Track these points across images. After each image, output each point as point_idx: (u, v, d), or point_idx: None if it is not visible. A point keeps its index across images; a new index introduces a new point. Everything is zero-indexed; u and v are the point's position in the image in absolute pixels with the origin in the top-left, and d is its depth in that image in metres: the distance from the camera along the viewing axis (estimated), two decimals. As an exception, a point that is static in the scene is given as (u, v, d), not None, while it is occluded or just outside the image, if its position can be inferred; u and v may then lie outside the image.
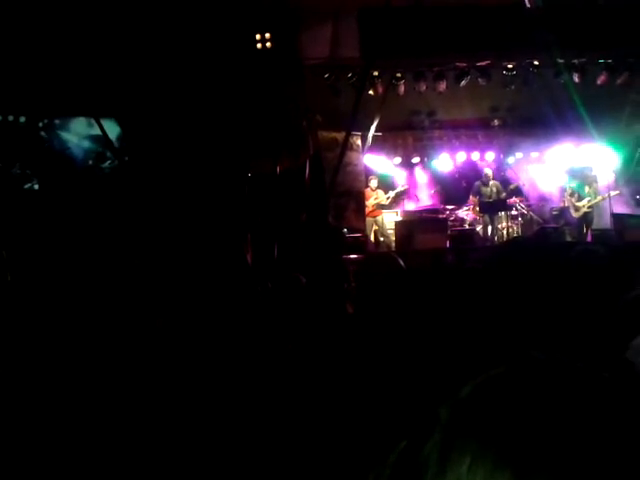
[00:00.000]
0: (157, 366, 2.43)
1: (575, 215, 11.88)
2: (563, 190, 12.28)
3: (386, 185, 13.19)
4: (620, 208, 12.16)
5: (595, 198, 11.84)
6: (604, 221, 11.91)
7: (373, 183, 12.66)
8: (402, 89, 11.50)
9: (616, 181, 13.15)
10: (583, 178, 12.29)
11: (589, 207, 11.74)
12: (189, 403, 2.24)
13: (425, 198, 13.62)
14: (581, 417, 0.49)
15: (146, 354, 2.50)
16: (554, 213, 12.46)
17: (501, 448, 0.49)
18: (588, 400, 0.51)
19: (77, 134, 11.17)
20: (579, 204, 11.84)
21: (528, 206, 12.73)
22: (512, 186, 12.64)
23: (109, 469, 2.03)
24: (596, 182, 13.17)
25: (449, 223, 12.06)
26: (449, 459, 0.51)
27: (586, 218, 11.76)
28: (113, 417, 2.15)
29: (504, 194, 12.11)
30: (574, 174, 12.23)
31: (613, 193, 11.75)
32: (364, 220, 12.15)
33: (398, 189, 13.02)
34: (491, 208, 12.09)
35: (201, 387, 2.32)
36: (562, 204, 12.32)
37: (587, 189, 12.00)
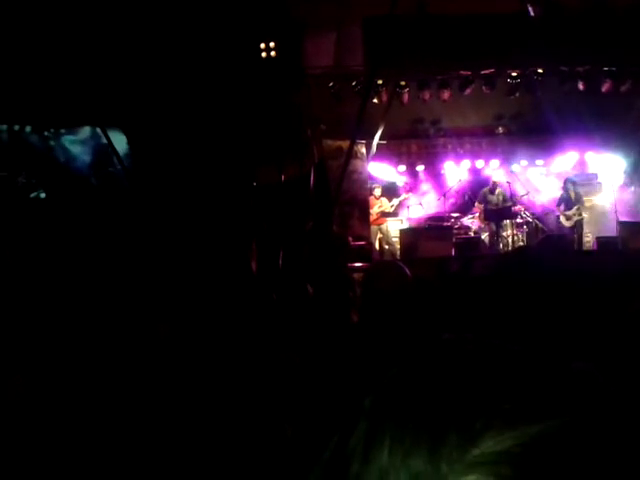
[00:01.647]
0: (159, 372, 2.43)
1: (567, 224, 11.82)
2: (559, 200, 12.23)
3: (391, 193, 13.20)
4: (626, 216, 12.14)
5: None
6: (610, 229, 11.87)
7: (377, 191, 12.68)
8: (406, 97, 11.53)
9: (621, 188, 13.15)
10: (581, 186, 12.21)
11: (580, 215, 11.68)
12: (190, 409, 2.23)
13: (430, 206, 13.61)
14: (488, 392, 0.50)
15: (149, 359, 2.50)
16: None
17: (416, 427, 0.50)
18: (495, 374, 0.52)
19: (83, 143, 11.22)
20: (569, 213, 11.78)
21: (533, 214, 12.70)
22: (521, 195, 12.63)
23: (109, 469, 2.03)
24: (600, 190, 13.17)
25: (454, 231, 12.04)
26: (372, 447, 0.52)
27: (578, 226, 11.68)
28: (113, 419, 2.15)
29: (510, 202, 12.09)
30: (575, 182, 12.18)
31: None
32: (369, 228, 12.15)
33: (402, 197, 13.03)
34: (497, 216, 12.07)
35: (203, 394, 2.31)
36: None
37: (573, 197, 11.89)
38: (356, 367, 2.02)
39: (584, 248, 11.50)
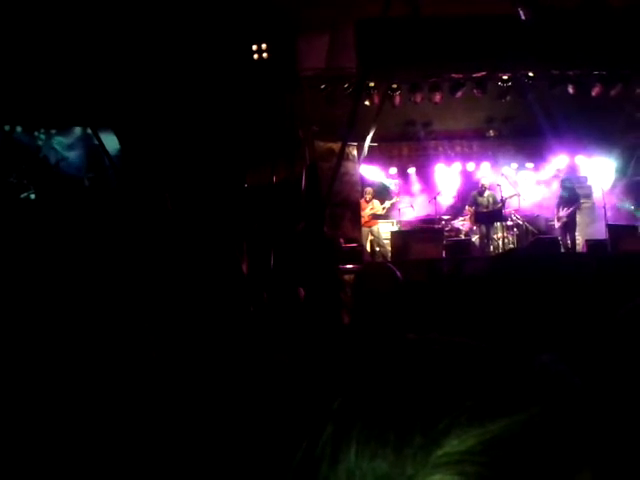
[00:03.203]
0: (150, 374, 2.43)
1: (557, 226, 11.87)
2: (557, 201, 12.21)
3: (382, 195, 13.21)
4: (615, 218, 12.22)
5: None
6: (599, 231, 11.94)
7: (368, 194, 12.68)
8: (398, 100, 11.56)
9: (611, 191, 13.22)
10: (573, 188, 12.19)
11: (568, 216, 11.68)
12: (182, 412, 2.23)
13: (420, 208, 13.64)
14: (451, 391, 0.51)
15: (139, 361, 2.49)
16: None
17: (382, 429, 0.51)
18: (458, 373, 0.53)
19: (73, 144, 11.18)
20: (560, 214, 11.80)
21: (523, 217, 12.75)
22: (510, 196, 12.61)
23: (108, 470, 2.03)
24: (591, 193, 13.25)
25: (445, 233, 12.07)
26: (339, 449, 0.52)
27: (567, 228, 11.70)
28: (112, 419, 2.15)
29: (500, 204, 12.12)
30: (565, 184, 12.20)
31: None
32: (360, 230, 12.16)
33: (393, 200, 13.05)
34: (487, 218, 12.11)
35: (194, 396, 2.31)
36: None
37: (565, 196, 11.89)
38: (337, 369, 2.02)
39: (575, 251, 11.52)
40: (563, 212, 11.70)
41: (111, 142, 9.84)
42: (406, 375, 0.54)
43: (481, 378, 0.52)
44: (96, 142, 9.60)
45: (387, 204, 12.90)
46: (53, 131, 11.24)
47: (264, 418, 2.06)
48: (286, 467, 0.57)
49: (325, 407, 0.56)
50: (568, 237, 11.55)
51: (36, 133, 11.16)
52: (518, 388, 0.51)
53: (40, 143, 11.20)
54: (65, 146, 11.23)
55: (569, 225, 11.66)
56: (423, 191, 13.92)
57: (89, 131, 10.04)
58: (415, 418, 0.50)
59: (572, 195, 11.81)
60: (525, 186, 13.72)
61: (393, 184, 13.86)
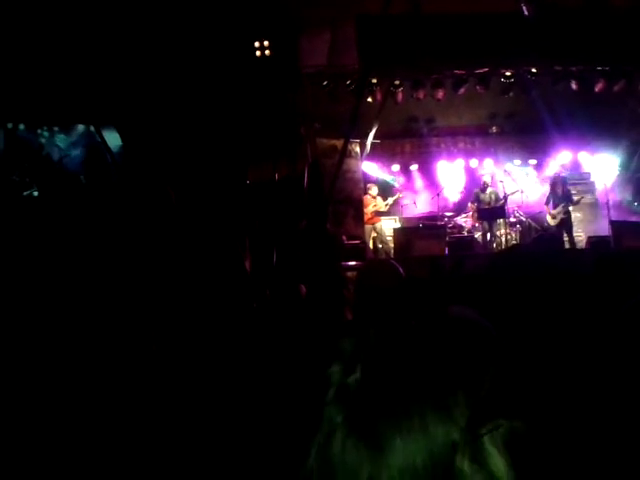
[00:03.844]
0: (152, 372, 2.43)
1: (552, 223, 11.82)
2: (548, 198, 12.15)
3: (385, 192, 13.21)
4: (618, 215, 12.18)
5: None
6: (602, 228, 11.91)
7: (373, 190, 12.67)
8: (400, 96, 11.53)
9: (614, 188, 13.19)
10: (564, 186, 12.13)
11: (565, 213, 11.63)
12: (184, 409, 2.23)
13: (423, 205, 13.63)
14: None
15: (142, 360, 2.50)
16: None
17: (363, 417, 0.53)
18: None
19: (76, 141, 11.19)
20: (554, 212, 11.77)
21: (526, 213, 12.73)
22: (512, 192, 12.56)
23: (107, 470, 2.03)
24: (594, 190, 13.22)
25: (447, 230, 12.06)
26: (330, 442, 0.54)
27: (563, 225, 11.65)
28: (112, 419, 2.15)
29: (502, 201, 12.10)
30: (564, 179, 12.15)
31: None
32: (363, 227, 12.16)
33: (396, 196, 13.03)
34: (489, 215, 12.09)
35: (197, 394, 2.32)
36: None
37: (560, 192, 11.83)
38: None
39: (576, 247, 11.49)
40: (558, 209, 11.65)
41: (113, 139, 9.85)
42: (413, 355, 0.58)
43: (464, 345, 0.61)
44: (98, 139, 9.62)
45: (390, 201, 12.90)
46: (56, 129, 11.24)
47: (264, 414, 2.06)
48: (284, 466, 0.58)
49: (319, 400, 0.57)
50: (565, 234, 11.49)
51: (39, 131, 11.17)
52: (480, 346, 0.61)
53: (43, 141, 11.21)
54: (68, 144, 11.24)
55: (566, 222, 11.60)
56: (426, 188, 13.92)
57: (92, 128, 10.04)
58: (454, 383, 0.57)
59: (564, 191, 11.77)
60: (528, 182, 13.70)
61: (394, 180, 13.85)
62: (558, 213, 11.63)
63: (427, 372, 0.56)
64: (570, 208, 11.72)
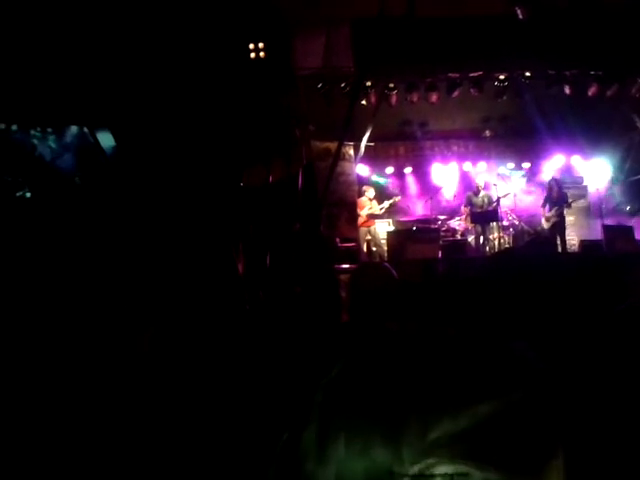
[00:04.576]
0: (146, 374, 2.42)
1: (546, 226, 11.85)
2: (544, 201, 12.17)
3: (381, 195, 13.21)
4: (611, 219, 12.23)
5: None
6: (595, 232, 11.96)
7: (370, 193, 12.61)
8: (394, 99, 11.56)
9: (606, 192, 13.26)
10: (560, 188, 12.15)
11: (558, 216, 11.65)
12: (177, 411, 2.23)
13: (417, 208, 13.65)
14: (439, 377, 0.52)
15: (136, 362, 2.49)
16: None
17: (372, 417, 0.51)
18: (442, 360, 0.54)
19: (69, 142, 11.15)
20: (548, 214, 11.80)
21: (519, 217, 12.77)
22: (504, 195, 12.58)
23: (107, 470, 2.02)
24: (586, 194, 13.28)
25: (441, 233, 12.08)
26: (327, 441, 0.52)
27: (556, 228, 11.69)
28: (111, 419, 2.15)
29: (494, 204, 12.14)
30: (560, 181, 12.19)
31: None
32: (357, 230, 12.16)
33: (392, 200, 13.02)
34: (482, 218, 12.12)
35: (191, 395, 2.31)
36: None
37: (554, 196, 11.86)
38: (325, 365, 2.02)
39: (567, 251, 11.53)
40: (552, 212, 11.69)
41: (106, 140, 9.83)
42: (391, 363, 0.54)
43: (466, 364, 0.53)
44: (91, 141, 9.60)
45: (385, 204, 12.88)
46: (49, 129, 11.20)
47: (256, 414, 2.05)
48: (267, 462, 0.57)
49: (306, 400, 0.56)
50: (558, 237, 11.52)
51: (32, 131, 11.13)
52: (501, 373, 0.52)
53: (36, 142, 11.17)
54: (61, 144, 11.21)
55: (559, 225, 11.63)
56: (419, 191, 13.94)
57: (85, 130, 10.01)
58: (407, 404, 0.50)
59: (560, 194, 11.80)
60: (521, 186, 13.75)
61: (386, 183, 13.86)
62: (552, 216, 11.66)
63: (400, 388, 0.53)
64: (565, 211, 11.75)
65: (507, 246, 12.07)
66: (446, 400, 0.50)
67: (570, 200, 11.89)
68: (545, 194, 12.11)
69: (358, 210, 12.35)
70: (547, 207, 11.87)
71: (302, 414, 0.55)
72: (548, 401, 0.51)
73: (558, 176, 12.78)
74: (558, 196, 11.74)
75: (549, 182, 12.19)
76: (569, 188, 12.83)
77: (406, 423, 0.49)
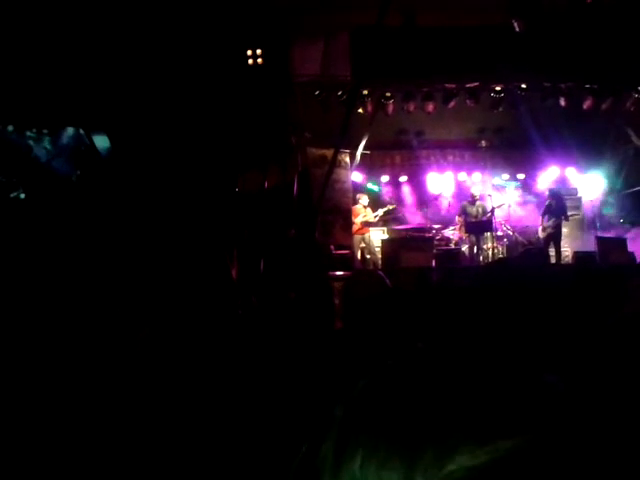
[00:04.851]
0: (147, 372, 2.42)
1: (541, 236, 11.88)
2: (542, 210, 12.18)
3: (373, 202, 13.23)
4: (604, 231, 12.28)
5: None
6: (588, 243, 12.00)
7: (364, 200, 12.64)
8: (391, 108, 11.60)
9: (600, 204, 13.32)
10: (560, 199, 12.16)
11: (554, 228, 11.67)
12: (174, 410, 2.22)
13: (412, 217, 13.67)
14: (463, 405, 0.50)
15: (131, 364, 2.48)
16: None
17: (391, 439, 0.50)
18: (469, 387, 0.52)
19: (64, 144, 11.13)
20: (545, 225, 11.82)
21: (513, 227, 12.80)
22: (498, 205, 12.61)
23: (107, 470, 2.01)
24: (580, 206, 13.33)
25: (435, 242, 12.10)
26: (343, 457, 0.51)
27: (551, 238, 11.73)
28: (110, 419, 2.14)
29: (489, 214, 12.16)
30: (552, 194, 12.22)
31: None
32: (351, 237, 12.17)
33: (387, 208, 13.04)
34: (477, 228, 12.14)
35: (185, 399, 2.30)
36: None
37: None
38: (330, 374, 2.02)
39: (562, 262, 11.56)
40: (549, 222, 11.71)
41: (102, 142, 9.82)
42: (415, 385, 0.53)
43: (491, 394, 0.51)
44: (87, 142, 9.59)
45: (380, 212, 12.89)
46: (45, 131, 11.18)
47: (256, 419, 2.05)
48: (282, 473, 0.57)
49: (326, 413, 0.55)
50: (552, 248, 11.54)
51: (27, 133, 11.11)
52: (528, 407, 0.50)
53: (31, 143, 11.15)
54: (57, 146, 11.18)
55: (555, 236, 11.65)
56: (415, 200, 13.97)
57: (81, 132, 10.00)
58: (427, 430, 0.49)
59: (559, 206, 11.82)
60: (516, 197, 13.80)
61: (380, 190, 13.89)
62: (548, 227, 11.69)
63: (419, 410, 0.51)
64: (562, 223, 11.75)
65: (501, 256, 12.09)
66: (468, 432, 0.48)
67: (569, 214, 11.91)
68: (545, 204, 12.12)
69: (352, 218, 12.36)
70: (546, 217, 11.88)
71: (321, 427, 0.55)
72: (574, 445, 0.49)
73: (556, 187, 12.83)
74: (557, 208, 11.76)
75: (551, 192, 12.22)
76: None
77: (424, 450, 0.48)
